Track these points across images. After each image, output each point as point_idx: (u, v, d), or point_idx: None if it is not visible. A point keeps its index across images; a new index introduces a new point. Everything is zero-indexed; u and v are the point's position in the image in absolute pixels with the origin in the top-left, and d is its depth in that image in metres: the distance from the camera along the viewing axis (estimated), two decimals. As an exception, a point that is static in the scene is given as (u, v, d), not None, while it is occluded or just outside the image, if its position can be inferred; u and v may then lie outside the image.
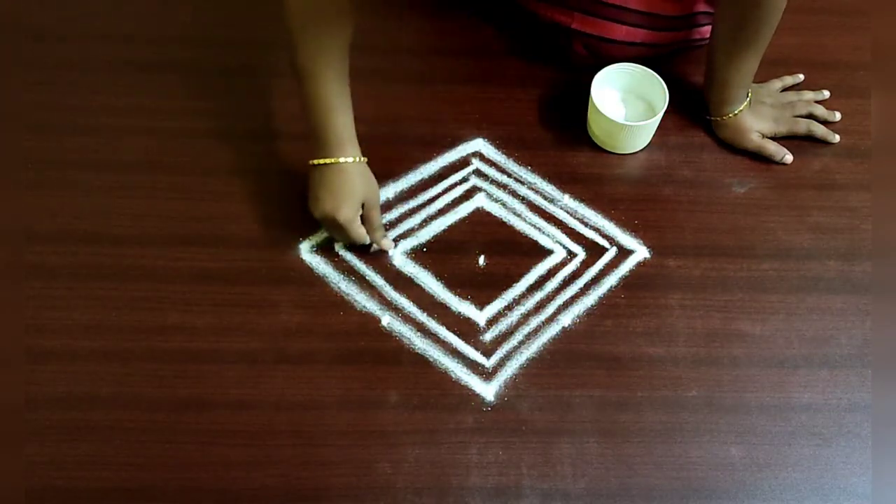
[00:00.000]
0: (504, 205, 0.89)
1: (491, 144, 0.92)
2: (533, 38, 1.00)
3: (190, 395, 0.77)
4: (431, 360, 0.79)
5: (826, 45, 1.01)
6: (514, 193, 0.89)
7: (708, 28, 0.91)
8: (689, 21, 0.92)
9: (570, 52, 0.95)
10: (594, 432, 0.76)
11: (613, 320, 0.82)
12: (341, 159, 0.78)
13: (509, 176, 0.91)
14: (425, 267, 0.84)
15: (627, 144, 0.91)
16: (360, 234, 0.81)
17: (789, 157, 0.91)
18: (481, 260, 0.85)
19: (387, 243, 0.84)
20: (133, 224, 0.86)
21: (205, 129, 0.92)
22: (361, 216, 0.81)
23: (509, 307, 0.82)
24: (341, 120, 0.78)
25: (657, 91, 0.90)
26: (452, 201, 0.89)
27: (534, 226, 0.87)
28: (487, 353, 0.80)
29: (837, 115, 0.94)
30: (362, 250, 0.85)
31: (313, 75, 0.76)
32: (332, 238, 0.84)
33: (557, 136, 0.93)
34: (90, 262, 0.83)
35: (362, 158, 0.81)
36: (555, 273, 0.84)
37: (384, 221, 0.87)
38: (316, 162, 0.79)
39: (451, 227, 0.87)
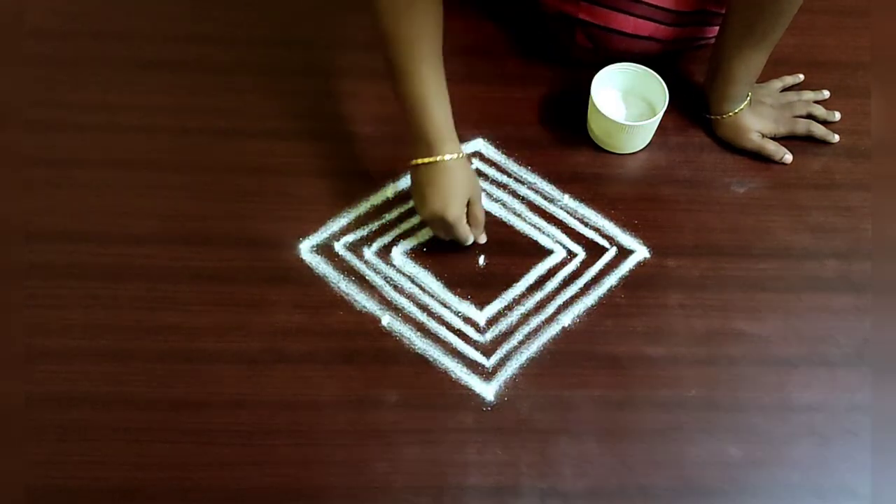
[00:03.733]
0: (504, 205, 0.89)
1: (491, 144, 0.92)
2: (533, 38, 1.00)
3: (189, 395, 0.77)
4: (431, 359, 0.79)
5: (826, 45, 1.01)
6: (514, 193, 0.89)
7: (714, 28, 0.91)
8: (698, 18, 0.92)
9: (573, 44, 0.95)
10: (594, 432, 0.76)
11: (613, 320, 0.82)
12: (445, 157, 0.77)
13: (509, 176, 0.91)
14: (425, 267, 0.84)
15: (627, 144, 0.91)
16: (467, 231, 0.81)
17: (789, 157, 0.91)
18: (481, 260, 0.85)
19: (483, 237, 0.84)
20: (133, 224, 0.86)
21: (205, 129, 0.92)
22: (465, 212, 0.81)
23: (509, 307, 0.82)
24: (441, 117, 0.77)
25: (657, 91, 0.90)
26: (452, 201, 0.89)
27: (534, 226, 0.87)
28: (487, 353, 0.80)
29: (837, 115, 0.94)
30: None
31: (409, 73, 0.76)
32: (436, 236, 0.84)
33: (557, 136, 0.93)
34: (90, 262, 0.83)
35: (462, 153, 0.79)
36: (555, 273, 0.84)
37: (384, 221, 0.87)
38: (419, 162, 0.78)
39: (451, 227, 0.87)
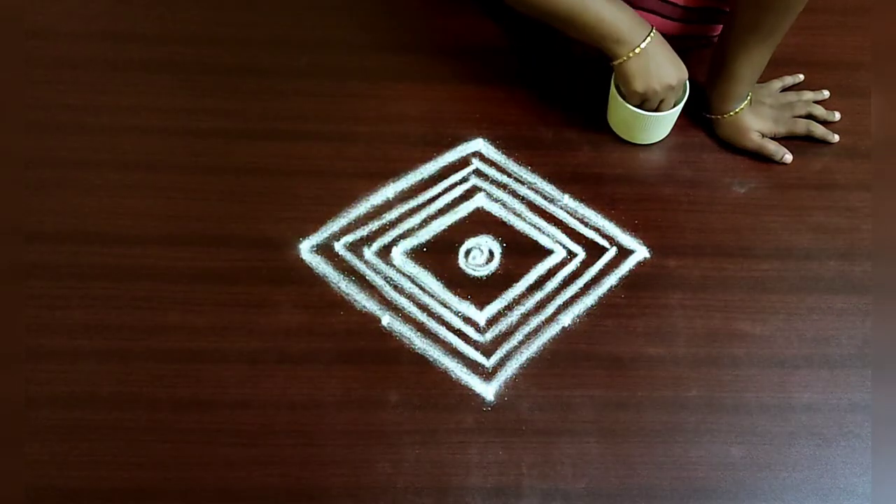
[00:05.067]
0: (504, 205, 0.89)
1: (491, 144, 0.92)
2: (533, 37, 1.00)
3: (190, 395, 0.77)
4: (431, 360, 0.79)
5: (826, 45, 1.01)
6: (514, 193, 0.89)
7: (719, 27, 0.91)
8: (703, 15, 0.92)
9: (579, 42, 0.94)
10: (594, 432, 0.76)
11: (613, 320, 0.82)
12: (642, 45, 0.81)
13: (509, 176, 0.91)
14: (425, 267, 0.84)
15: (646, 135, 0.91)
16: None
17: (789, 157, 0.91)
18: (494, 264, 0.85)
19: None
20: (133, 224, 0.86)
21: (205, 129, 0.92)
22: None
23: (509, 307, 0.83)
24: (613, 10, 0.80)
25: None
26: (452, 201, 0.89)
27: (534, 226, 0.87)
28: (487, 353, 0.80)
29: (837, 115, 0.94)
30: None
31: None
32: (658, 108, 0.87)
33: (557, 136, 0.93)
34: (90, 262, 0.83)
35: (652, 30, 0.82)
36: (555, 273, 0.84)
37: (384, 221, 0.87)
38: (621, 61, 0.82)
39: (451, 227, 0.87)
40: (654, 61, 0.83)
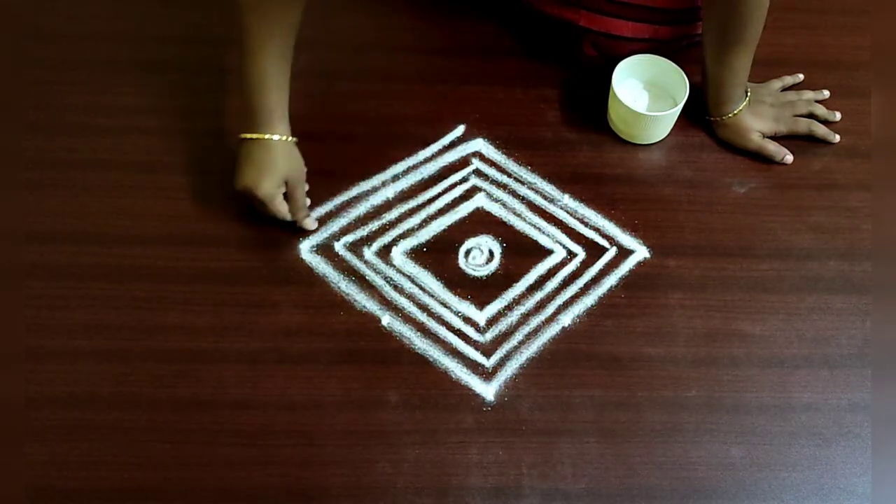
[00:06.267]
0: (504, 205, 0.89)
1: (491, 144, 0.92)
2: (533, 38, 1.00)
3: (190, 395, 0.77)
4: (431, 360, 0.79)
5: (826, 45, 1.01)
6: (514, 193, 0.89)
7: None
8: (693, 15, 0.92)
9: (581, 53, 0.95)
10: (594, 432, 0.76)
11: (613, 320, 0.82)
12: (267, 136, 0.80)
13: (509, 176, 0.91)
14: (425, 267, 0.84)
15: (646, 135, 0.91)
16: (281, 210, 0.82)
17: (790, 157, 0.91)
18: (494, 264, 0.85)
19: (309, 223, 0.85)
20: (133, 224, 0.86)
21: (205, 129, 0.92)
22: (285, 194, 0.82)
23: (509, 307, 0.82)
24: (273, 97, 0.79)
25: (678, 83, 0.90)
26: (452, 201, 0.89)
27: (534, 226, 0.87)
28: (487, 353, 0.80)
29: (837, 115, 0.94)
30: (285, 225, 0.84)
31: (251, 51, 0.78)
32: (257, 211, 0.84)
33: (557, 136, 0.93)
34: (90, 262, 0.83)
35: (291, 138, 0.81)
36: (555, 273, 0.85)
37: (384, 221, 0.87)
38: (244, 136, 0.80)
39: (451, 227, 0.87)
40: (249, 159, 0.80)
